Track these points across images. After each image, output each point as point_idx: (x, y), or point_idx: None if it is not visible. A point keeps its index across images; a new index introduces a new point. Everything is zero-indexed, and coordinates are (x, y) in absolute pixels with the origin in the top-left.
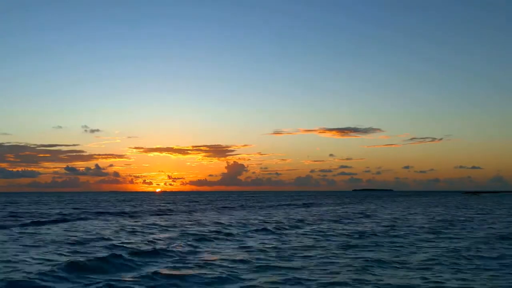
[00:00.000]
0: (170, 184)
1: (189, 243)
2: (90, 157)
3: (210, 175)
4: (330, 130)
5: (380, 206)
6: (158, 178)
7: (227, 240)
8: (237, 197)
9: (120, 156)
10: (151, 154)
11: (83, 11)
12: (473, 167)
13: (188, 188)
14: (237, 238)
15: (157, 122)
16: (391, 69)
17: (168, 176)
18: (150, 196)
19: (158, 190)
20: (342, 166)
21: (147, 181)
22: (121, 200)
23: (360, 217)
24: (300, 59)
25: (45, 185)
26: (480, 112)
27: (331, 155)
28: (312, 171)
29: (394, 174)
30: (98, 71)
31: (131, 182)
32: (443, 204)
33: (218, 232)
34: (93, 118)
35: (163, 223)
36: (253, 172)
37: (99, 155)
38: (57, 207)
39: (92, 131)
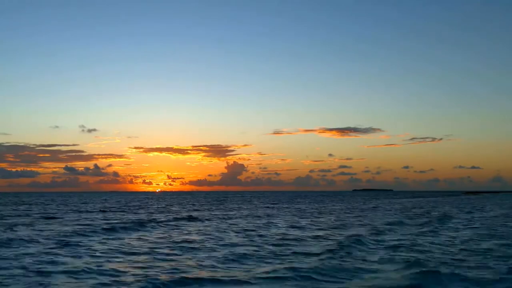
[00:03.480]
0: (170, 184)
1: None
2: (90, 157)
3: (209, 175)
4: (330, 130)
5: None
6: (158, 178)
7: None
8: (264, 197)
9: (120, 156)
10: (151, 154)
11: (81, 10)
12: (473, 167)
13: (187, 188)
14: None
15: (157, 122)
16: (391, 69)
17: (168, 176)
18: (169, 196)
19: (158, 190)
20: (342, 166)
21: (146, 181)
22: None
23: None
24: (299, 59)
25: (45, 185)
26: (480, 112)
27: (330, 155)
28: (311, 171)
29: (394, 174)
30: (97, 70)
31: (131, 182)
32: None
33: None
34: (90, 118)
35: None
36: (253, 172)
37: (99, 155)
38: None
39: (90, 130)
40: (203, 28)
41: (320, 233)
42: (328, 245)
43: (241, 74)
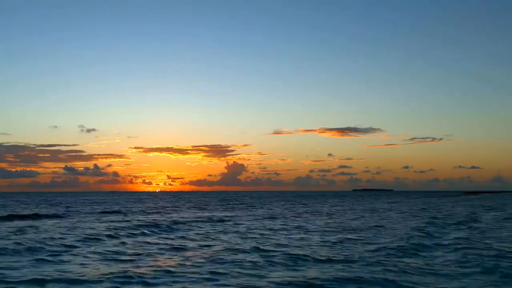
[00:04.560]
0: (170, 184)
1: None
2: (90, 157)
3: (209, 175)
4: (330, 130)
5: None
6: (158, 178)
7: None
8: (278, 197)
9: (120, 156)
10: (151, 154)
11: (80, 10)
12: (473, 167)
13: (187, 188)
14: None
15: (157, 122)
16: (391, 69)
17: (168, 176)
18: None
19: (158, 190)
20: (342, 166)
21: (146, 181)
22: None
23: None
24: (299, 59)
25: (45, 185)
26: (480, 112)
27: (330, 155)
28: (311, 171)
29: (394, 174)
30: (97, 70)
31: (131, 182)
32: None
33: None
34: (90, 118)
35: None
36: (253, 172)
37: (99, 155)
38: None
39: (89, 130)
40: (203, 28)
41: None
42: None
43: (241, 74)
